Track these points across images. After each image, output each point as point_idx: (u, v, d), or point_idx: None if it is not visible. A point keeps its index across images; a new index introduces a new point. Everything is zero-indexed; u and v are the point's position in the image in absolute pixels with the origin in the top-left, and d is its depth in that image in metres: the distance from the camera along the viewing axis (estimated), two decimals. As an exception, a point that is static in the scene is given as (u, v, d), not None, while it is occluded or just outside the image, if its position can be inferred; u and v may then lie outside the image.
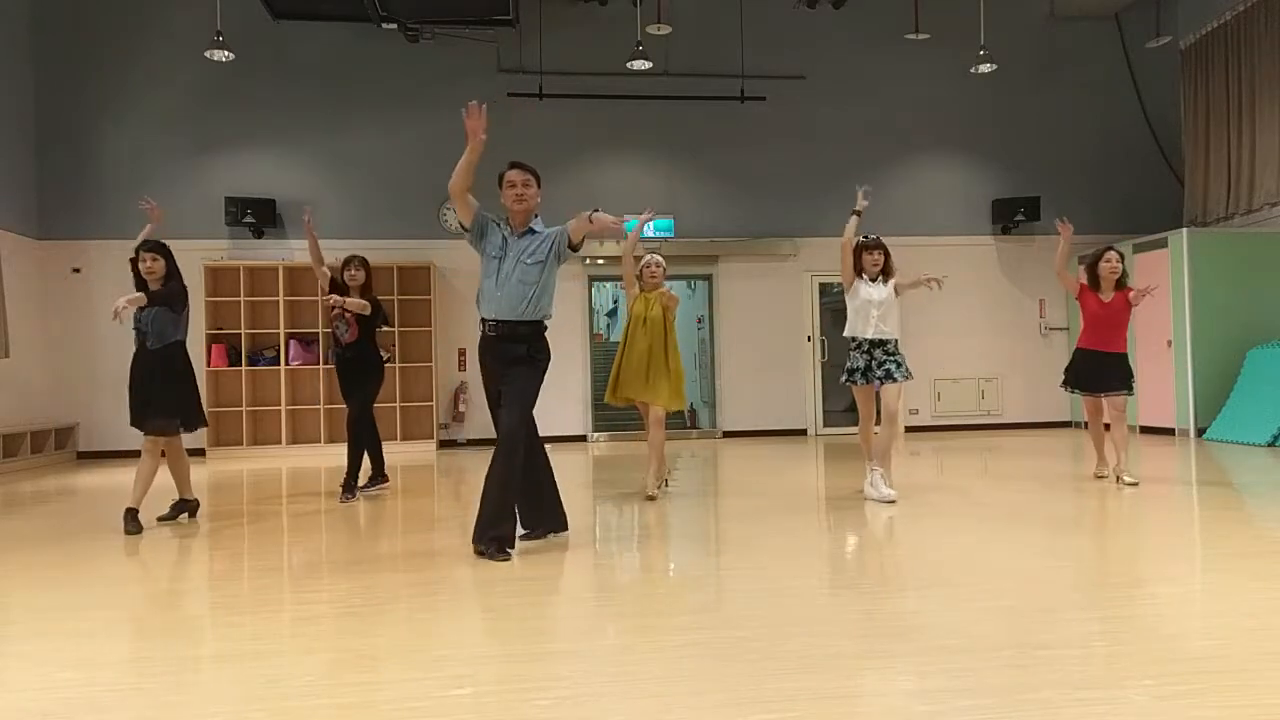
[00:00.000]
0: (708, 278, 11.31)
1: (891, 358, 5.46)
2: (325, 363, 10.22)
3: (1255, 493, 5.52)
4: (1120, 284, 6.01)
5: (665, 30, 10.33)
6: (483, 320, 4.27)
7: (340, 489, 6.14)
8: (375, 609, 3.22)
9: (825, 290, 11.35)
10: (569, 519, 4.53)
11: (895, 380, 5.44)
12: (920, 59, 11.10)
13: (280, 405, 10.07)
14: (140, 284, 5.10)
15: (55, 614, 3.27)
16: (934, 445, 9.48)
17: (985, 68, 10.05)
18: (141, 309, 5.03)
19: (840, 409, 11.66)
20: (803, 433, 11.09)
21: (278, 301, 10.06)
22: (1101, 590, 3.26)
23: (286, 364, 10.09)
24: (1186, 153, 11.07)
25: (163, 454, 5.20)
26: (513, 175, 4.26)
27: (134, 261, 5.13)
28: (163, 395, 5.06)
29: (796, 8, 10.82)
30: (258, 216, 10.19)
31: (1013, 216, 11.10)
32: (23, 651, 2.83)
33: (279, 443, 10.05)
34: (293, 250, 10.43)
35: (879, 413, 5.67)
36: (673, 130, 10.97)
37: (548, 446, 4.63)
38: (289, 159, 10.56)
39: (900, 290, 5.53)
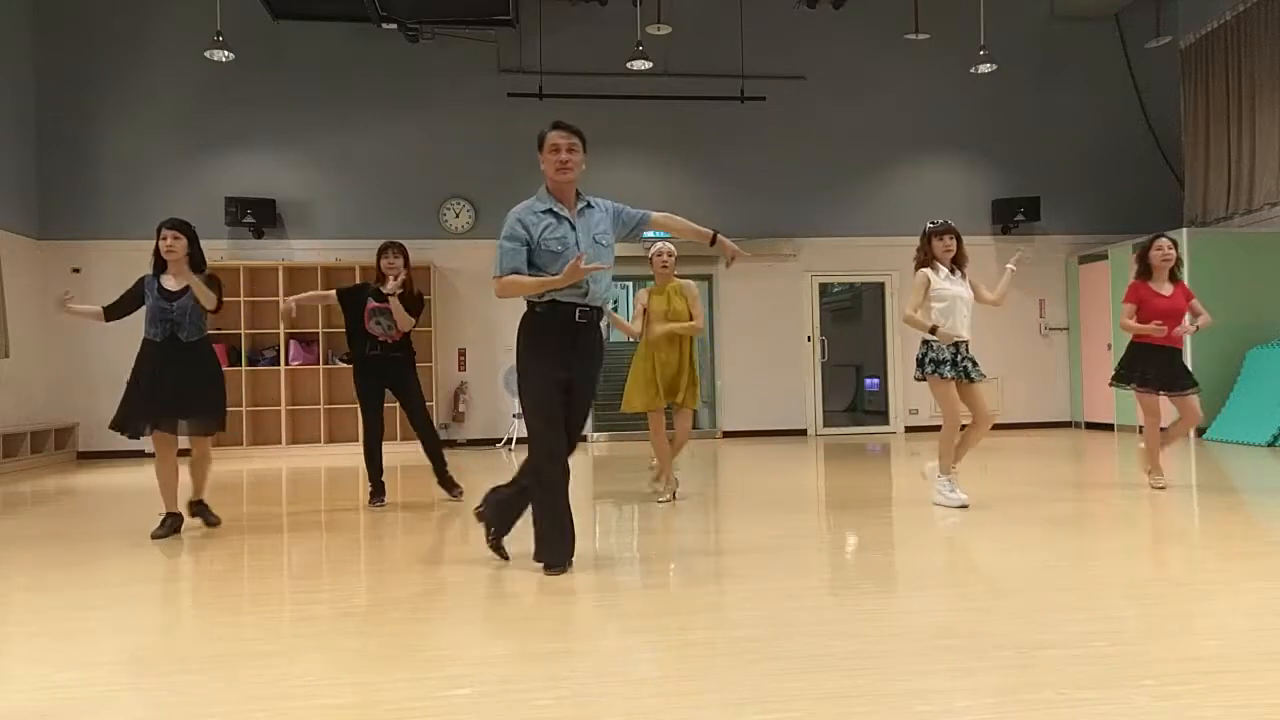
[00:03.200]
0: (708, 278, 11.29)
1: (968, 357, 5.23)
2: (325, 363, 10.23)
3: (1255, 493, 5.52)
4: (1174, 275, 5.62)
5: (665, 30, 10.33)
6: (554, 303, 3.59)
7: (371, 496, 5.87)
8: (375, 609, 3.22)
9: (825, 290, 11.35)
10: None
11: (973, 380, 5.20)
12: (920, 59, 11.09)
13: (280, 405, 10.07)
14: (159, 265, 4.84)
15: (55, 614, 3.26)
16: (935, 445, 9.46)
17: (985, 68, 10.04)
18: (176, 296, 4.77)
19: (840, 409, 11.65)
20: (803, 433, 11.08)
21: (278, 302, 10.00)
22: (1101, 590, 3.26)
23: (286, 364, 10.09)
24: (1186, 153, 11.06)
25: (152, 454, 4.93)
26: (556, 137, 3.56)
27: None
28: (204, 392, 4.81)
29: (796, 8, 10.82)
30: (257, 216, 10.19)
31: (1013, 216, 11.08)
32: (23, 651, 2.83)
33: (279, 443, 10.05)
34: (293, 250, 10.43)
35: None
36: (673, 130, 10.96)
37: None
38: (289, 159, 10.56)
39: (996, 297, 5.31)
